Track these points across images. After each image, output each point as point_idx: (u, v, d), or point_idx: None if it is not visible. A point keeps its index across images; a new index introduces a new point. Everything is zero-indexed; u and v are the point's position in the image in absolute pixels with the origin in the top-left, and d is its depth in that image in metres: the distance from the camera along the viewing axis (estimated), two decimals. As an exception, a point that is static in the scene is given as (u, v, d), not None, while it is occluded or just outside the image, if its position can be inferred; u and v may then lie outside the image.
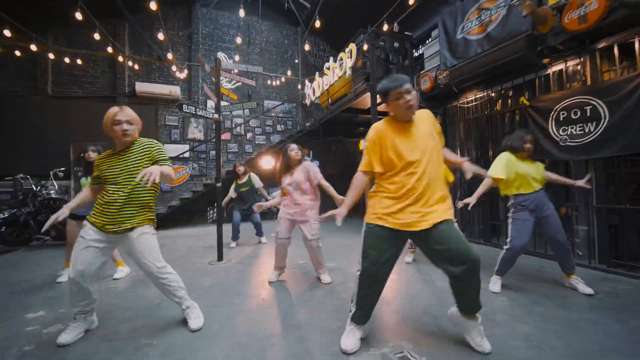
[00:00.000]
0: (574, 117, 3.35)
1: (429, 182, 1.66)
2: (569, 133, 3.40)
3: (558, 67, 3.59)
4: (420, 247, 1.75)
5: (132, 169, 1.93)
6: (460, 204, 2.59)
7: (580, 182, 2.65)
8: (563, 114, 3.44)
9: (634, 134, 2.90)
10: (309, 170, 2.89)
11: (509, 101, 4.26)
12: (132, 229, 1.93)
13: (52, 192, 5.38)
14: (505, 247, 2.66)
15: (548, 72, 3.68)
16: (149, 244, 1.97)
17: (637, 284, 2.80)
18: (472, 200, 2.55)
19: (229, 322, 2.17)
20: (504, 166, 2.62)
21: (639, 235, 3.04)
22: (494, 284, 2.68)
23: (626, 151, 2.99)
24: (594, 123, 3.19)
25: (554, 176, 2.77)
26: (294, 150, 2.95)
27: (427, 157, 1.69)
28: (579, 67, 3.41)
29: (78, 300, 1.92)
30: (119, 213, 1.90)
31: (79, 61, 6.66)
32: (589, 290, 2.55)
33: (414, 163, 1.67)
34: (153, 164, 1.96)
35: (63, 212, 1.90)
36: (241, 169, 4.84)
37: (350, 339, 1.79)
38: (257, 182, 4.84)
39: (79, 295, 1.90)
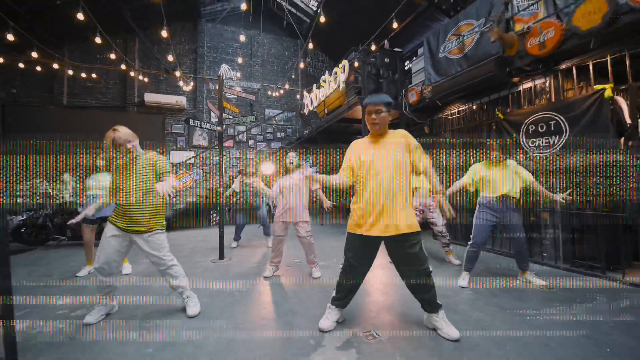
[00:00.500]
0: (540, 130, 3.71)
1: (392, 189, 1.91)
2: (536, 145, 3.76)
3: (528, 84, 3.96)
4: (387, 249, 2.08)
5: (136, 178, 2.28)
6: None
7: (557, 197, 2.87)
8: (532, 127, 3.81)
9: (590, 147, 3.26)
10: (299, 178, 3.30)
11: (488, 114, 4.62)
12: (144, 232, 2.31)
13: (66, 195, 5.82)
14: (469, 242, 3.03)
15: (519, 89, 4.06)
16: (159, 243, 2.36)
17: (591, 280, 3.14)
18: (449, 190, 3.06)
19: (228, 309, 2.54)
20: (467, 174, 3.09)
21: (597, 237, 3.37)
22: (462, 279, 3.03)
23: (585, 162, 3.34)
24: (557, 136, 3.55)
25: (537, 186, 3.02)
26: (289, 158, 3.38)
27: (389, 164, 1.92)
28: (545, 85, 3.78)
29: (103, 287, 2.32)
30: (130, 215, 2.26)
31: (93, 75, 7.16)
32: (542, 282, 2.94)
33: (374, 167, 1.94)
34: (156, 175, 2.32)
35: (87, 212, 2.42)
36: (251, 170, 5.10)
37: (327, 320, 2.15)
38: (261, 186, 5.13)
39: (102, 283, 2.30)
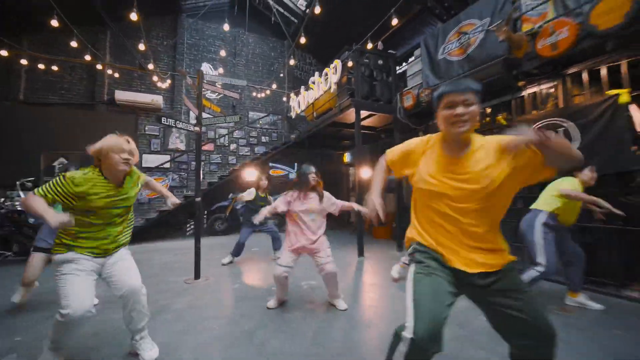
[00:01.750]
0: (548, 138, 3.47)
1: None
2: (543, 153, 3.52)
3: (532, 89, 3.75)
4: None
5: (129, 198, 1.91)
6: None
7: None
8: (538, 134, 3.57)
9: (604, 156, 3.04)
10: (331, 201, 2.75)
11: (488, 120, 4.40)
12: (121, 246, 1.93)
13: (17, 203, 5.05)
14: (537, 268, 2.56)
15: (523, 94, 3.84)
16: (133, 263, 1.95)
17: (608, 300, 2.87)
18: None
19: (202, 350, 2.04)
20: (574, 185, 2.65)
21: (609, 253, 3.15)
22: None
23: (598, 172, 3.11)
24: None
25: None
26: (311, 174, 2.71)
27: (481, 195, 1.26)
28: (551, 90, 3.57)
29: (64, 342, 1.75)
30: (117, 236, 1.88)
31: (54, 67, 6.42)
32: (598, 306, 2.67)
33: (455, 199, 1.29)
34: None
35: None
36: (265, 183, 4.56)
37: None
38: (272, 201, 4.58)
39: (66, 335, 1.73)
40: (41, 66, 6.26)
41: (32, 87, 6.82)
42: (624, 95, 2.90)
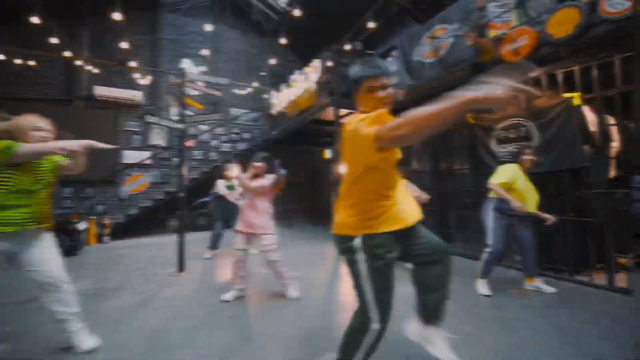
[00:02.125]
0: (511, 136, 3.78)
1: None
2: (507, 150, 3.83)
3: (498, 91, 4.03)
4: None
5: (45, 170, 1.88)
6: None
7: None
8: (503, 133, 3.87)
9: (560, 154, 3.35)
10: (269, 181, 2.90)
11: (460, 118, 4.68)
12: (43, 233, 1.85)
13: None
14: (486, 249, 2.87)
15: (491, 95, 4.12)
16: (55, 251, 1.89)
17: (562, 285, 3.19)
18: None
19: (190, 333, 2.17)
20: (507, 176, 2.79)
21: (564, 242, 3.47)
22: (483, 287, 2.91)
23: (554, 168, 3.43)
24: (528, 142, 3.63)
25: None
26: (257, 158, 2.92)
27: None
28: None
29: None
30: (34, 210, 1.78)
31: (31, 62, 6.22)
32: (552, 289, 2.93)
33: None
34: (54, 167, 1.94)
35: None
36: (230, 172, 4.57)
37: None
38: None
39: None
40: (17, 61, 6.05)
41: (5, 81, 6.56)
42: (576, 98, 3.20)
